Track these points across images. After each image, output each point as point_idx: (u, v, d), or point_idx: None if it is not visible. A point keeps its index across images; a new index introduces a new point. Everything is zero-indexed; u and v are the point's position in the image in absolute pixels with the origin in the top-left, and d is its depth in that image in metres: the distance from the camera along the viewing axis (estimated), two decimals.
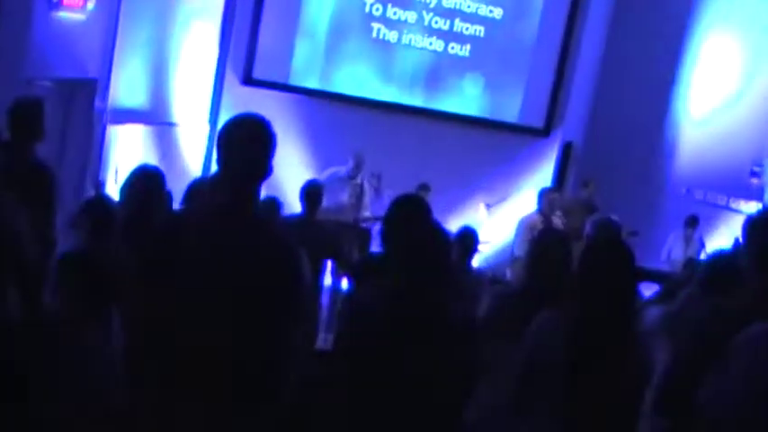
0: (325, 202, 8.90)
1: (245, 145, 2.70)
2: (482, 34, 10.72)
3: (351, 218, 8.91)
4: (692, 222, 10.30)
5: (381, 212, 8.83)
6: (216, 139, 2.80)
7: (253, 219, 2.74)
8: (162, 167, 4.74)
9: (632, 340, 3.01)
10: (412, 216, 3.68)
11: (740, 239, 3.09)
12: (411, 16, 10.47)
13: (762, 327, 2.40)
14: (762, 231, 2.96)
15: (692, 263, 10.06)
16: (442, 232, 3.26)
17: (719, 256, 4.26)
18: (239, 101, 9.50)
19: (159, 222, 3.06)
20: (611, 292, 2.97)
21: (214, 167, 2.86)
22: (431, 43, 10.61)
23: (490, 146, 10.85)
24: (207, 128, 9.86)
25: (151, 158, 8.08)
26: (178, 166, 9.17)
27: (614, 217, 6.34)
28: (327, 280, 8.23)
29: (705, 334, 2.88)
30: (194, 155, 9.70)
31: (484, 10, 10.68)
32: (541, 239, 3.89)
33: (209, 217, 2.73)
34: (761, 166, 11.30)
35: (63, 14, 6.60)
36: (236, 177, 2.70)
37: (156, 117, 8.80)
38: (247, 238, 2.68)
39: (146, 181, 4.22)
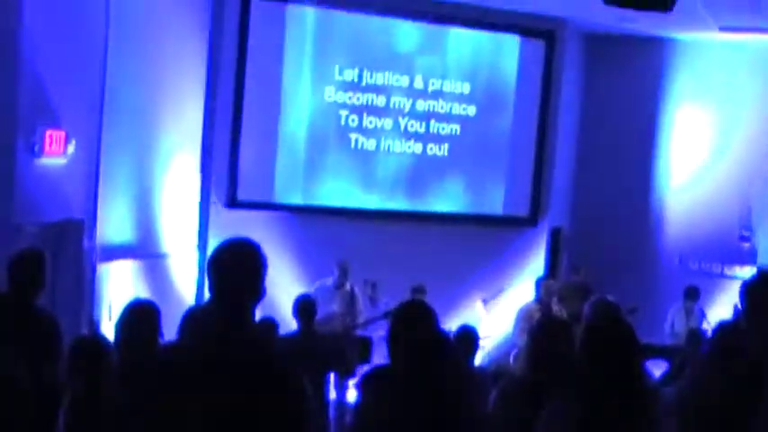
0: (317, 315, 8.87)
1: (235, 270, 2.70)
2: (458, 132, 10.91)
3: (343, 326, 8.83)
4: (693, 294, 10.28)
5: (378, 323, 8.85)
6: (206, 266, 2.80)
7: (250, 344, 2.72)
8: (155, 299, 4.72)
9: (644, 417, 2.96)
10: (416, 323, 3.65)
11: (739, 305, 3.08)
12: (387, 123, 10.66)
13: None
14: (759, 293, 2.97)
15: (695, 334, 10.02)
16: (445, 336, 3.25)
17: (723, 326, 4.23)
18: (226, 225, 9.53)
19: (155, 357, 3.03)
20: (616, 369, 2.94)
21: (207, 295, 2.85)
22: (409, 147, 10.77)
23: (479, 241, 10.89)
24: (196, 255, 9.87)
25: (143, 292, 8.05)
26: (171, 296, 9.13)
27: (610, 297, 6.34)
28: (332, 394, 8.12)
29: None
30: (186, 284, 9.67)
31: (458, 108, 10.88)
32: (541, 328, 3.85)
33: (205, 346, 2.70)
34: (749, 229, 11.38)
35: (45, 160, 6.69)
36: (230, 303, 2.69)
37: (144, 250, 8.82)
38: (244, 363, 2.65)
39: (140, 315, 4.20)
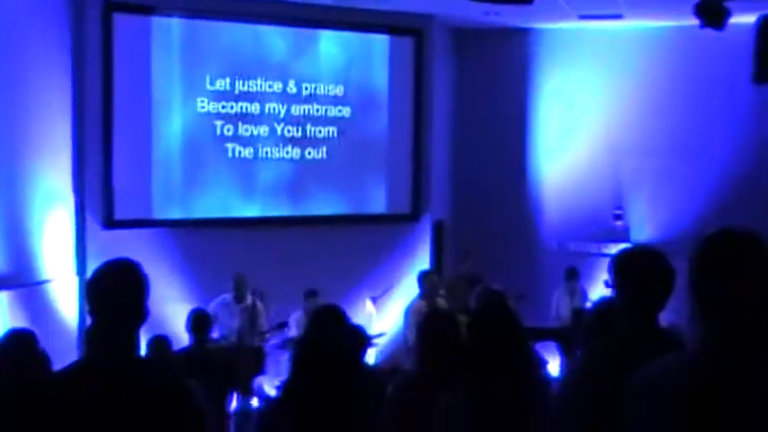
0: (219, 331, 8.76)
1: (116, 292, 2.63)
2: (335, 135, 10.94)
3: (249, 342, 8.72)
4: (572, 274, 10.63)
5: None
6: (85, 290, 2.73)
7: (137, 365, 2.66)
8: (35, 329, 4.56)
9: (536, 400, 3.03)
10: (331, 330, 3.62)
11: (608, 281, 3.19)
12: (263, 130, 10.59)
13: (656, 367, 2.27)
14: (625, 268, 3.08)
15: (579, 313, 10.35)
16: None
17: (600, 303, 4.37)
18: (105, 246, 9.27)
19: (39, 387, 2.93)
20: (503, 356, 3.00)
21: (89, 320, 2.77)
22: (287, 152, 10.73)
23: (364, 240, 10.96)
24: (75, 279, 9.57)
25: (22, 322, 7.75)
26: (52, 324, 8.82)
27: (495, 285, 6.47)
28: (234, 404, 8.03)
29: (585, 389, 2.90)
30: (68, 310, 9.37)
31: (333, 111, 10.91)
32: (426, 322, 3.88)
33: (90, 372, 2.63)
34: (621, 208, 11.83)
35: None
36: (113, 326, 2.62)
37: (19, 279, 8.49)
38: (134, 386, 2.59)
39: (16, 345, 4.06)
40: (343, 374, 3.33)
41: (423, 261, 11.22)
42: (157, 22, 9.95)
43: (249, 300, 9.05)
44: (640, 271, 3.03)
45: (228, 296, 9.10)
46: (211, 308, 8.83)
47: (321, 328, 3.55)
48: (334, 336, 3.51)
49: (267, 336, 8.95)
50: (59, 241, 9.38)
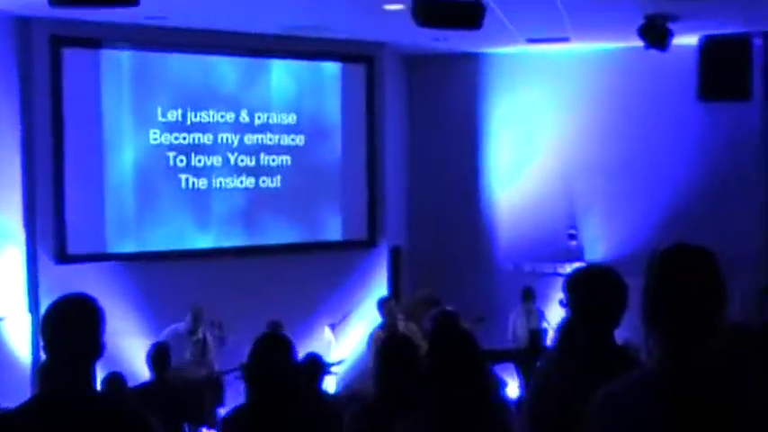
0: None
1: (71, 327, 2.60)
2: (289, 163, 10.93)
3: (195, 375, 8.64)
4: (528, 295, 10.71)
5: (228, 361, 8.71)
6: (40, 326, 2.68)
7: (94, 401, 2.62)
8: None
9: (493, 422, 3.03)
10: (274, 356, 3.61)
11: (563, 301, 3.22)
12: (216, 160, 10.54)
13: (615, 387, 2.28)
14: (577, 286, 3.11)
15: (536, 333, 10.42)
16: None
17: (562, 325, 4.40)
18: (57, 281, 9.11)
19: None
20: (461, 379, 3.00)
21: (43, 356, 2.73)
22: (241, 182, 10.69)
23: (321, 267, 10.93)
24: (28, 317, 9.39)
25: None
26: (4, 362, 8.65)
27: (449, 308, 6.50)
28: None
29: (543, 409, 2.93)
30: (21, 347, 9.19)
31: (286, 140, 10.91)
32: (384, 347, 3.88)
33: (45, 409, 2.58)
34: (575, 228, 11.96)
35: None
36: (68, 362, 2.58)
37: None
38: (90, 421, 2.55)
39: None
40: (288, 400, 3.32)
41: (380, 287, 11.22)
42: (107, 54, 9.88)
43: (200, 334, 9.03)
44: (592, 287, 3.07)
45: (181, 326, 9.04)
46: (163, 336, 8.76)
47: (261, 356, 3.57)
48: (275, 363, 3.51)
49: (224, 374, 8.87)
50: (10, 278, 9.22)
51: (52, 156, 9.59)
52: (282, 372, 3.49)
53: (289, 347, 3.64)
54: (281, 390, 3.46)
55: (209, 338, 9.11)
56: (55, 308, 2.64)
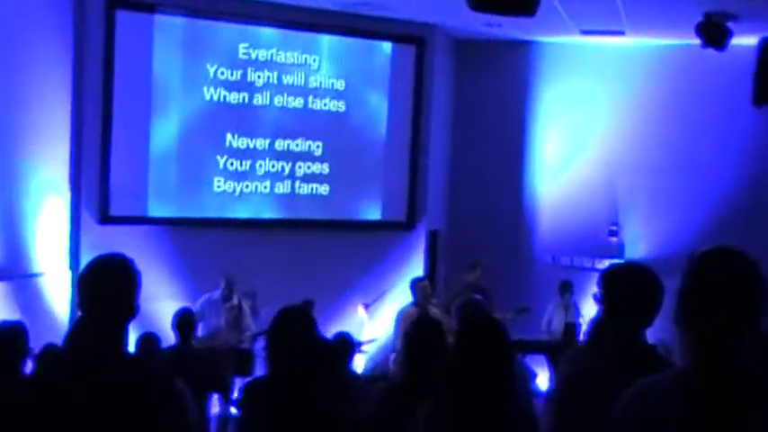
0: (202, 329, 8.77)
1: (106, 287, 2.63)
2: (334, 139, 10.93)
3: (231, 342, 8.74)
4: (566, 288, 10.64)
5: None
6: (77, 282, 2.72)
7: (124, 361, 2.65)
8: (27, 321, 4.55)
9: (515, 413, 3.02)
10: (294, 329, 3.62)
11: (597, 295, 3.19)
12: (261, 130, 10.58)
13: (642, 386, 2.26)
14: (612, 282, 3.08)
15: (570, 327, 10.37)
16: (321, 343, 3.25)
17: (595, 319, 4.36)
18: (99, 241, 9.25)
19: (24, 383, 2.93)
20: (487, 367, 2.98)
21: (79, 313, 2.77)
22: (284, 154, 10.72)
23: (359, 246, 10.95)
24: (68, 274, 9.55)
25: (14, 314, 7.73)
26: (44, 317, 8.81)
27: (478, 296, 6.49)
28: (215, 408, 8.01)
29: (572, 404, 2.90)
30: (60, 303, 9.35)
31: (332, 113, 10.90)
32: (414, 330, 3.86)
33: (77, 367, 2.62)
34: (616, 224, 11.84)
35: None
36: (101, 321, 2.61)
37: (13, 271, 8.48)
38: (120, 382, 2.58)
39: (5, 337, 4.05)
40: (308, 375, 3.31)
41: (416, 269, 11.21)
42: (159, 19, 9.95)
43: (235, 300, 9.08)
44: (624, 284, 3.03)
45: (216, 294, 9.12)
46: (198, 305, 8.86)
47: (282, 328, 3.57)
48: (294, 335, 3.51)
49: (256, 337, 8.94)
50: (54, 234, 9.37)
51: (101, 117, 9.70)
52: (301, 345, 3.48)
53: (311, 322, 3.64)
54: (300, 363, 3.46)
55: (245, 306, 9.17)
56: (92, 267, 2.68)
